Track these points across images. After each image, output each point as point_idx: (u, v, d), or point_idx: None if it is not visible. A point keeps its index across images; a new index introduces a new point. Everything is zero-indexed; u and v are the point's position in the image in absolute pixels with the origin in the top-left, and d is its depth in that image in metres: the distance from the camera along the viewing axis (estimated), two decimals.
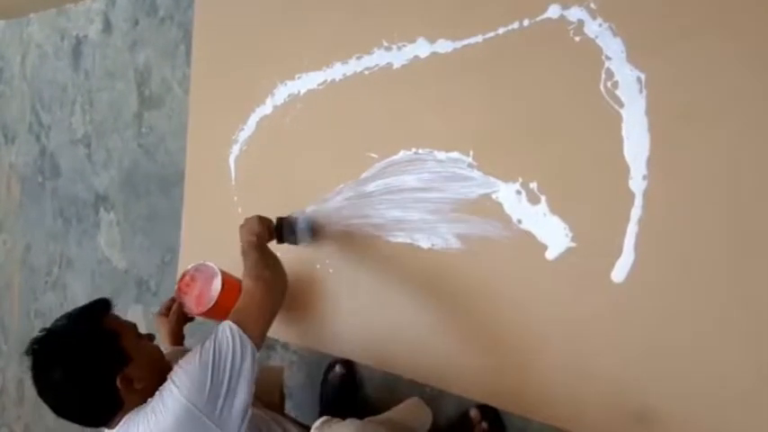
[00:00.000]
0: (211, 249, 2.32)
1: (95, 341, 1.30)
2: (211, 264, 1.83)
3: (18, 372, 3.48)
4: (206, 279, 1.81)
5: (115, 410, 1.30)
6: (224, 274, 1.81)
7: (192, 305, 1.78)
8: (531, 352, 1.53)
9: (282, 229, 1.91)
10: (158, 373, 1.33)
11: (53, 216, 3.18)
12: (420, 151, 1.76)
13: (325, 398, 1.89)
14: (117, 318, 1.40)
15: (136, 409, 1.28)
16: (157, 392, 1.27)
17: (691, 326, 1.31)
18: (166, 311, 1.81)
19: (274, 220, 1.90)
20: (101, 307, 1.38)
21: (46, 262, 3.23)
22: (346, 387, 1.86)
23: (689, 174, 1.31)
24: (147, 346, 1.43)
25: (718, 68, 1.28)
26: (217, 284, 1.77)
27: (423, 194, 1.75)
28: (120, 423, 1.29)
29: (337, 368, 1.87)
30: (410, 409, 1.68)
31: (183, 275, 1.83)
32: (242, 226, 1.77)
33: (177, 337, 1.80)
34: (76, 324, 1.33)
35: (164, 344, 1.74)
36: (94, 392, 1.28)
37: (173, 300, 1.83)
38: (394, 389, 1.79)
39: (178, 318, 1.80)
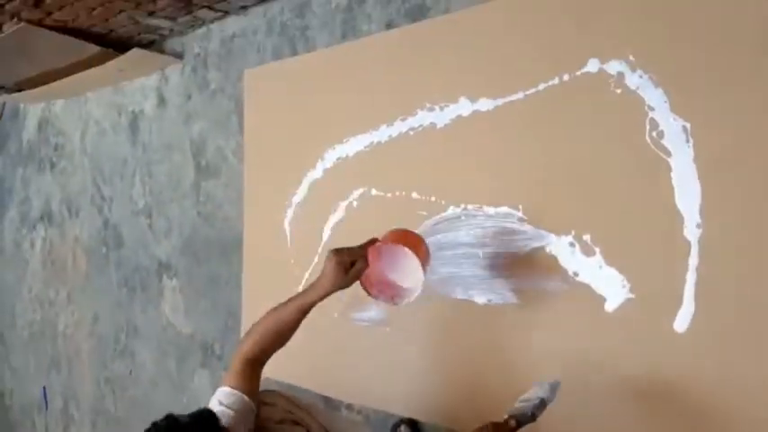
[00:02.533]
0: None
1: None
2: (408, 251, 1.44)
3: None
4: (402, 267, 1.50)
5: None
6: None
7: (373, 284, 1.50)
8: (595, 403, 1.52)
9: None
10: None
11: (118, 285, 3.30)
12: (469, 207, 1.78)
13: None
14: None
15: None
16: None
17: (757, 375, 1.28)
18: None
19: None
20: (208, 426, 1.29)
21: (113, 330, 3.34)
22: None
23: (743, 219, 1.31)
24: None
25: (764, 111, 1.28)
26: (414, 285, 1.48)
27: (475, 250, 1.77)
28: None
29: (403, 428, 1.88)
30: None
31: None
32: None
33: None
34: None
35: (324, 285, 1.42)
36: None
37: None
38: None
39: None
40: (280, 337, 1.48)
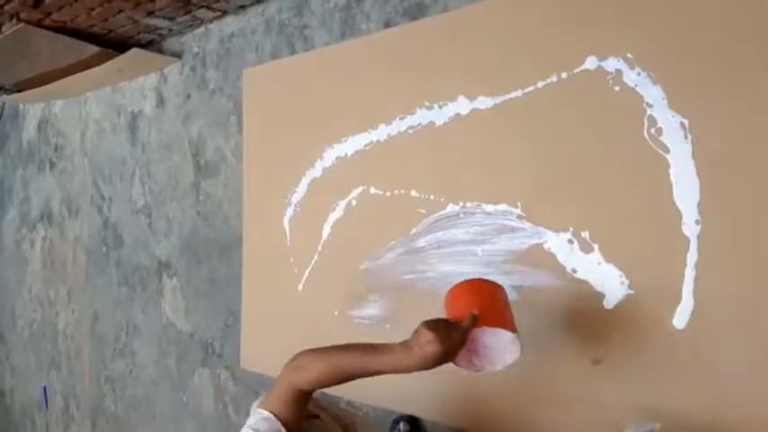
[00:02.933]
0: (271, 309, 2.38)
1: None
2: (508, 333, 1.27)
3: None
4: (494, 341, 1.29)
5: None
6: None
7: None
8: (595, 401, 1.52)
9: None
10: None
11: (118, 285, 3.30)
12: (468, 205, 1.79)
13: None
14: None
15: None
16: None
17: (755, 371, 1.29)
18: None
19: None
20: None
21: (113, 329, 3.34)
22: None
23: (742, 215, 1.31)
24: None
25: (762, 107, 1.29)
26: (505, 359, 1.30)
27: (473, 247, 1.77)
28: None
29: (402, 425, 1.88)
30: None
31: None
32: None
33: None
34: None
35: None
36: None
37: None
38: None
39: None
40: (336, 383, 1.27)
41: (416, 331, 1.19)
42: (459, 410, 1.79)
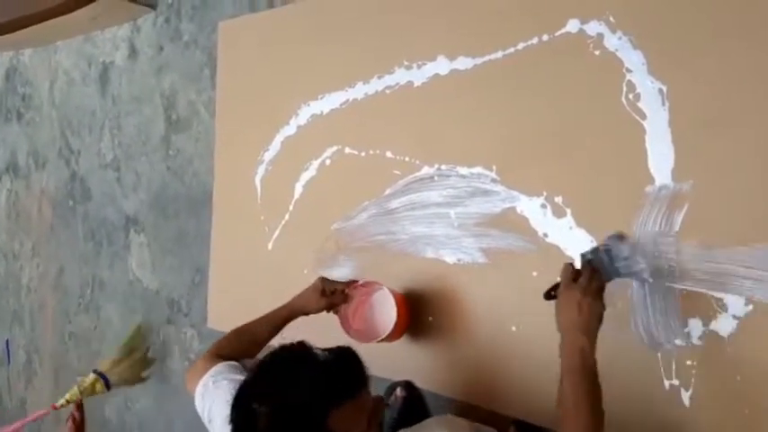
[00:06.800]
0: (239, 268, 2.36)
1: None
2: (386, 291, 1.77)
3: (54, 393, 3.53)
4: (377, 304, 1.84)
5: None
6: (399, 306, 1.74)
7: (352, 324, 1.82)
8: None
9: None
10: None
11: (84, 239, 3.24)
12: (443, 167, 1.77)
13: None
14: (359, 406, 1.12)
15: None
16: None
17: None
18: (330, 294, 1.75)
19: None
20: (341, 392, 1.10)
21: (78, 284, 3.29)
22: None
23: (715, 184, 1.31)
24: None
25: (741, 77, 1.28)
26: (389, 321, 1.73)
27: (447, 210, 1.76)
28: None
29: (399, 391, 1.77)
30: None
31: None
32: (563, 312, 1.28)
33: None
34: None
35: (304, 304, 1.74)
36: None
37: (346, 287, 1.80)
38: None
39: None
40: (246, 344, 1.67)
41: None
42: (449, 380, 1.76)
